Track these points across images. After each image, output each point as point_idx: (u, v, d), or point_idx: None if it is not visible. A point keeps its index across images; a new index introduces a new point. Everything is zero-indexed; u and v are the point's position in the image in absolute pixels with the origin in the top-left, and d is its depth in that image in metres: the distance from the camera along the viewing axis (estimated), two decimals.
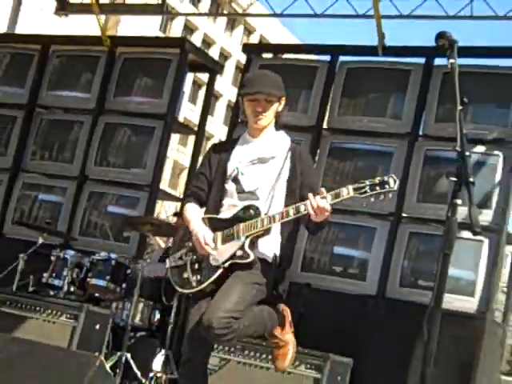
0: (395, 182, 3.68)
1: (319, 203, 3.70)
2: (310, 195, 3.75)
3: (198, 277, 3.96)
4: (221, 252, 3.93)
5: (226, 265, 3.91)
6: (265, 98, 4.03)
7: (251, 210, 3.92)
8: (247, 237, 3.89)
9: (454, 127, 3.44)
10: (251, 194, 4.01)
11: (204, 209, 4.16)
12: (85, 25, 9.82)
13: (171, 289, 4.82)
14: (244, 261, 3.88)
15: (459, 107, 3.43)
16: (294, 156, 4.07)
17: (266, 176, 4.02)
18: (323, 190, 3.78)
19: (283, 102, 4.14)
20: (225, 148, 4.22)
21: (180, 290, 4.08)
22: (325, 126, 7.45)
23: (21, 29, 10.53)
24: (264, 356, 4.88)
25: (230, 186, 4.06)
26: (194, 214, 4.09)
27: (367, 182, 3.70)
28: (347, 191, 3.71)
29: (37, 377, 2.70)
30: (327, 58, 7.70)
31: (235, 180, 4.05)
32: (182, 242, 4.13)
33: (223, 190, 4.07)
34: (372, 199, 3.73)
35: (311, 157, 4.25)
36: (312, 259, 6.99)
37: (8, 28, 10.50)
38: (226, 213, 4.02)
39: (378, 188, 3.68)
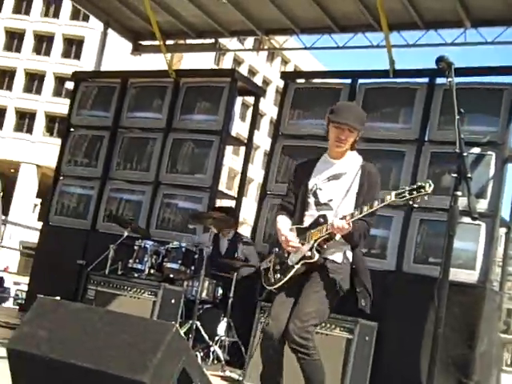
0: (430, 186, 3.51)
1: (338, 224, 3.66)
2: (335, 220, 3.69)
3: (278, 275, 3.91)
4: (295, 254, 3.89)
5: (299, 264, 3.85)
6: (348, 129, 3.88)
7: (321, 219, 3.84)
8: (315, 241, 3.82)
9: (453, 133, 3.40)
10: (326, 205, 3.90)
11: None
12: (155, 61, 9.92)
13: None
14: (310, 260, 3.82)
15: (457, 117, 3.40)
16: (364, 174, 3.90)
17: (338, 190, 3.90)
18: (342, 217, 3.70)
19: (361, 134, 3.98)
20: (307, 167, 4.09)
21: (267, 287, 4.01)
22: None
23: (105, 67, 10.64)
24: None
25: (311, 200, 3.97)
26: (283, 223, 4.00)
27: (406, 188, 3.57)
28: (390, 197, 3.60)
29: (126, 341, 2.73)
30: (348, 81, 7.64)
31: (314, 194, 3.96)
32: (273, 248, 4.09)
33: (305, 203, 3.98)
34: (410, 202, 3.60)
35: (377, 172, 3.99)
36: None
37: (95, 67, 10.63)
38: (307, 222, 3.94)
39: (414, 192, 3.54)
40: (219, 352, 6.02)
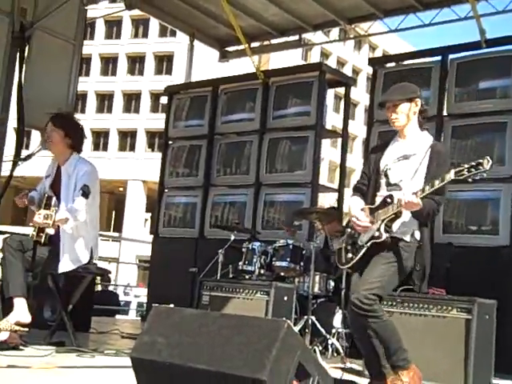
0: (488, 162, 3.48)
1: (408, 199, 3.66)
2: (402, 195, 3.71)
3: (349, 255, 4.00)
4: (365, 234, 3.93)
5: (368, 244, 3.90)
6: (392, 104, 3.98)
7: (388, 199, 3.88)
8: (382, 220, 3.85)
9: None
10: (396, 185, 3.95)
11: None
12: (244, 65, 10.05)
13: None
14: (378, 240, 3.86)
15: None
16: (433, 152, 3.92)
17: (407, 170, 3.93)
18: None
19: (418, 103, 4.02)
20: (379, 149, 4.19)
21: (340, 266, 4.16)
22: (445, 113, 7.21)
23: (195, 77, 10.83)
24: (420, 305, 4.76)
25: (382, 180, 4.02)
26: (354, 204, 4.07)
27: (465, 166, 3.54)
28: (449, 175, 3.57)
29: (241, 341, 2.76)
30: (439, 58, 7.44)
31: (385, 174, 4.01)
32: (345, 229, 4.15)
33: (378, 184, 4.05)
34: (470, 180, 3.56)
35: (447, 151, 4.02)
36: (450, 222, 6.78)
37: (186, 78, 10.86)
38: (378, 202, 3.98)
39: (473, 170, 3.51)
40: (337, 344, 6.00)
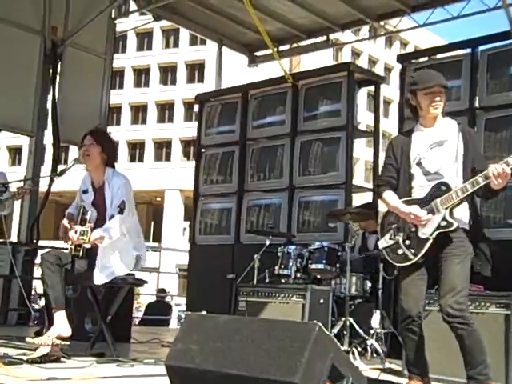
0: None
1: (499, 170, 3.54)
2: (492, 165, 3.59)
3: (412, 250, 3.84)
4: (426, 226, 3.81)
5: (434, 235, 3.78)
6: (439, 90, 3.88)
7: (443, 186, 3.79)
8: (446, 208, 3.76)
9: None
10: (436, 174, 3.86)
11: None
12: (275, 69, 10.08)
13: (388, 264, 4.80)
14: (449, 229, 3.76)
15: None
16: (465, 135, 3.88)
17: (444, 156, 3.86)
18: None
19: None
20: (403, 139, 4.07)
21: (399, 264, 3.94)
22: (477, 105, 7.12)
23: (226, 84, 10.89)
24: None
25: (415, 170, 3.92)
26: (395, 199, 3.96)
27: None
28: None
29: (273, 345, 2.77)
30: (469, 50, 7.36)
31: (419, 164, 3.91)
32: (388, 226, 4.00)
33: (410, 175, 3.94)
34: None
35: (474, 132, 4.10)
36: (488, 217, 6.68)
37: (216, 86, 10.93)
38: (419, 193, 3.89)
39: None
40: (376, 345, 5.95)
